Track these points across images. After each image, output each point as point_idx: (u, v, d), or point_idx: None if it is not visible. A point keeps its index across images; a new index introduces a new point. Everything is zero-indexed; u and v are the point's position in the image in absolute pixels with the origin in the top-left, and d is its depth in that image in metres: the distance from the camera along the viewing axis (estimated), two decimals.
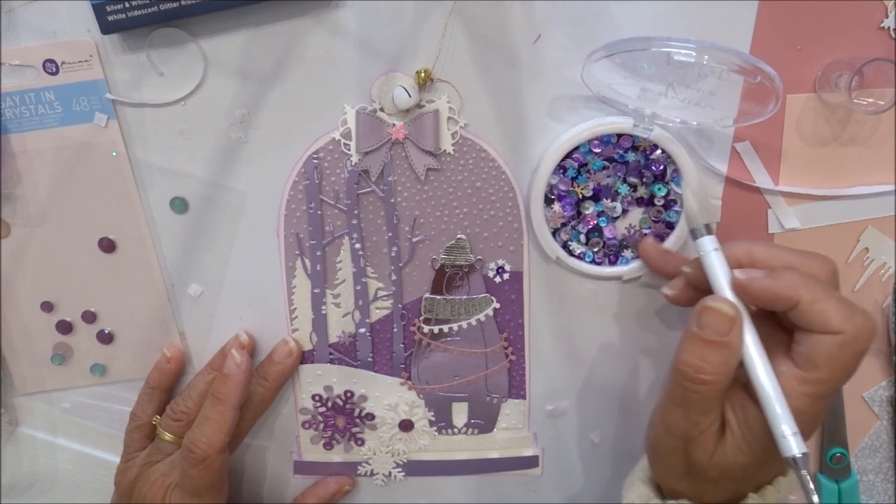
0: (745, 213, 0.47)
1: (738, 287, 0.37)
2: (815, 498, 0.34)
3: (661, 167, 0.45)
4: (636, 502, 0.42)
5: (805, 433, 0.36)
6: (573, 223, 0.47)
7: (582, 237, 0.47)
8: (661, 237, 0.47)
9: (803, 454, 0.35)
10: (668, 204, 0.46)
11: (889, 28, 0.43)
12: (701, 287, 0.40)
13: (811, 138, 0.45)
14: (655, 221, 0.47)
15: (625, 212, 0.46)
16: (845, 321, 0.35)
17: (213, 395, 0.45)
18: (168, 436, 0.48)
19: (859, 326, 0.35)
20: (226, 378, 0.45)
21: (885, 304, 0.48)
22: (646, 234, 0.45)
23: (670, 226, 0.47)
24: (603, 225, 0.46)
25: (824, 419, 0.50)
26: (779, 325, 0.38)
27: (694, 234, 0.40)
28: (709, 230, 0.39)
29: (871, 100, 0.43)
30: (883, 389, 0.50)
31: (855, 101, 0.42)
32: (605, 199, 0.46)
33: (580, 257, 0.47)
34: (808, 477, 0.35)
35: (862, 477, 0.51)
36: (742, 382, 0.38)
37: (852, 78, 0.41)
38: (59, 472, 0.54)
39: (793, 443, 0.35)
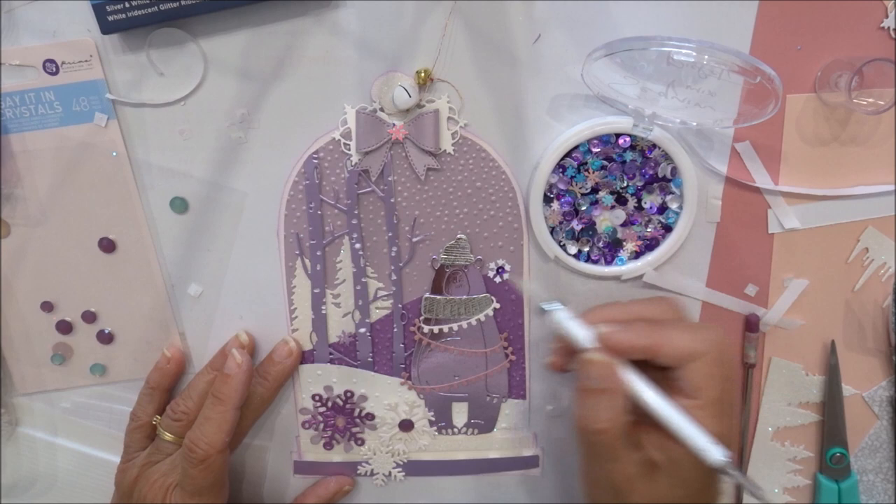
0: (745, 213, 0.47)
1: (600, 341, 0.40)
2: (760, 491, 0.36)
3: (660, 167, 0.45)
4: None
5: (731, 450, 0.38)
6: (568, 220, 0.47)
7: (574, 234, 0.47)
8: (658, 239, 0.47)
9: (728, 458, 0.37)
10: (665, 206, 0.46)
11: (889, 28, 0.43)
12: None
13: (811, 138, 0.45)
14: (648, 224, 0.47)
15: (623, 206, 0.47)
16: (698, 344, 0.38)
17: (214, 395, 0.45)
18: (168, 436, 0.48)
19: (710, 341, 0.39)
20: (226, 378, 0.45)
21: (885, 304, 0.48)
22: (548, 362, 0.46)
23: (668, 228, 0.47)
24: (592, 213, 0.46)
25: (824, 419, 0.50)
26: (663, 370, 0.40)
27: (546, 312, 0.43)
28: (556, 305, 0.42)
29: (871, 100, 0.43)
30: (883, 389, 0.50)
31: (855, 101, 0.42)
32: (601, 192, 0.46)
33: (577, 256, 0.47)
34: (741, 474, 0.37)
35: (862, 477, 0.51)
36: (658, 426, 0.39)
37: (852, 78, 0.41)
38: (59, 472, 0.54)
39: (714, 451, 0.37)
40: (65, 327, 0.50)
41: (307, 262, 0.48)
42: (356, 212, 0.47)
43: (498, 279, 0.48)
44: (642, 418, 0.39)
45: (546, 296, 0.43)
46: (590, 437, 0.39)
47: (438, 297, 0.48)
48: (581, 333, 0.40)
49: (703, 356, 0.38)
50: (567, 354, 0.43)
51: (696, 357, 0.38)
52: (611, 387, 0.38)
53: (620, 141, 0.45)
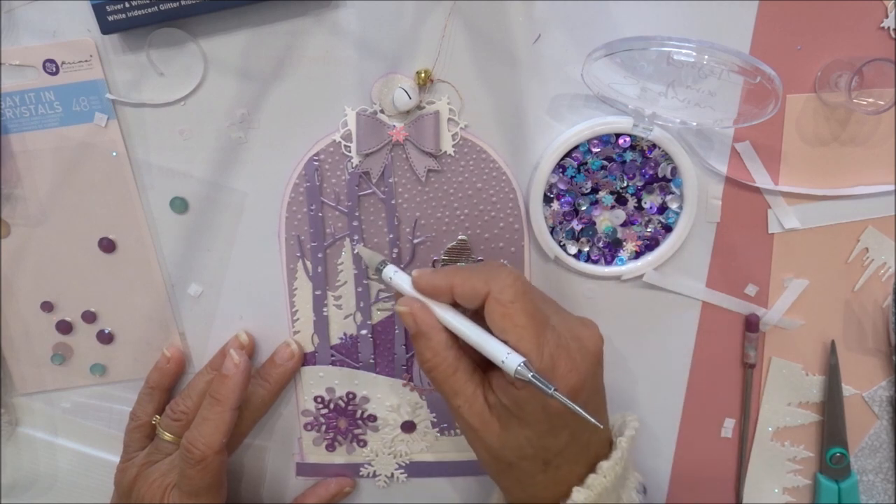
0: (745, 213, 0.47)
1: (414, 285, 0.42)
2: (551, 389, 0.36)
3: (660, 167, 0.45)
4: None
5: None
6: (568, 220, 0.47)
7: (574, 234, 0.47)
8: (658, 239, 0.47)
9: (523, 362, 0.37)
10: (665, 206, 0.46)
11: (889, 28, 0.43)
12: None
13: (811, 138, 0.45)
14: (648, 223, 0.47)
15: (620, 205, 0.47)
16: (481, 283, 0.39)
17: (212, 396, 0.45)
18: (167, 435, 0.48)
19: (496, 279, 0.39)
20: (224, 378, 0.45)
21: (885, 304, 0.48)
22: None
23: (668, 228, 0.47)
24: (592, 213, 0.47)
25: (824, 419, 0.50)
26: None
27: (379, 272, 0.44)
28: (385, 264, 0.44)
29: (870, 100, 0.43)
30: (883, 389, 0.50)
31: (855, 101, 0.42)
32: (601, 192, 0.46)
33: (577, 256, 0.47)
34: (539, 377, 0.36)
35: (862, 477, 0.51)
36: (502, 372, 0.39)
37: (852, 78, 0.41)
38: (59, 472, 0.54)
39: (510, 360, 0.37)
40: (65, 327, 0.50)
41: (308, 264, 0.48)
42: (357, 213, 0.47)
43: None
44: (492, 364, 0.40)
45: (377, 258, 0.44)
46: (429, 377, 0.41)
47: None
48: (405, 284, 0.42)
49: (491, 295, 0.39)
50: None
51: (481, 296, 0.39)
52: (422, 329, 0.40)
53: (620, 141, 0.45)
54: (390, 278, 0.43)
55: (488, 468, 0.42)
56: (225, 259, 0.48)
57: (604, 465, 0.41)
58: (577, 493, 0.40)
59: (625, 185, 0.46)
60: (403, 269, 0.44)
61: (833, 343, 0.49)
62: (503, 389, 0.39)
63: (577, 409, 0.36)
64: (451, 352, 0.40)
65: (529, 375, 0.36)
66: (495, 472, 0.42)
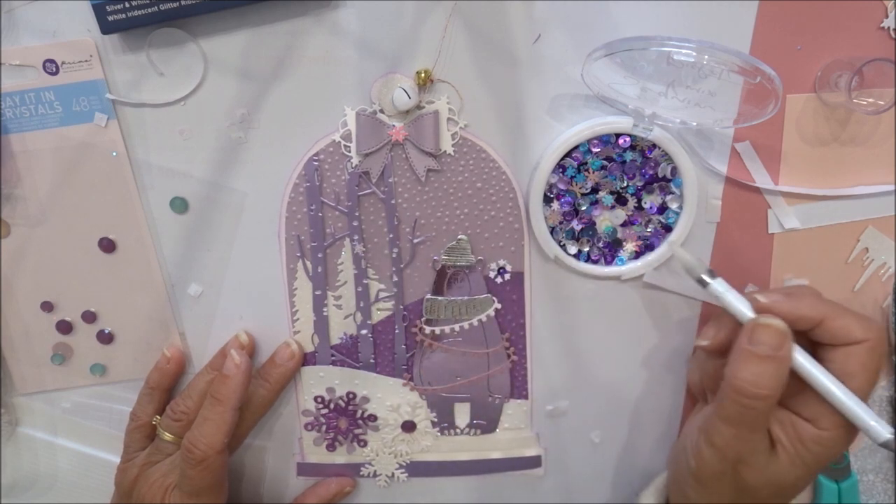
0: (745, 213, 0.47)
1: (764, 311, 0.39)
2: None
3: (660, 167, 0.45)
4: None
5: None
6: (568, 220, 0.47)
7: (574, 234, 0.47)
8: (658, 240, 0.47)
9: (893, 434, 0.37)
10: (665, 206, 0.46)
11: (889, 28, 0.43)
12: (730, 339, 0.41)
13: (811, 138, 0.45)
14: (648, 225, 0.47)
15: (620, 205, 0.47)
16: (867, 330, 0.38)
17: (212, 396, 0.45)
18: (168, 436, 0.48)
19: (878, 331, 0.39)
20: (225, 379, 0.45)
21: (885, 304, 0.48)
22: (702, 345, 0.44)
23: (668, 228, 0.47)
24: (592, 213, 0.46)
25: None
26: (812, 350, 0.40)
27: (702, 283, 0.42)
28: (712, 275, 0.41)
29: (871, 100, 0.43)
30: (883, 389, 0.50)
31: (855, 101, 0.42)
32: (601, 192, 0.46)
33: (577, 256, 0.47)
34: None
35: (862, 477, 0.51)
36: (787, 401, 0.39)
37: (852, 78, 0.41)
38: (59, 472, 0.54)
39: (881, 429, 0.37)
40: (65, 327, 0.50)
41: (308, 264, 0.48)
42: (357, 213, 0.47)
43: (499, 279, 0.48)
44: None
45: (701, 268, 0.42)
46: (746, 402, 0.38)
47: (440, 298, 0.48)
48: (744, 305, 0.40)
49: (865, 342, 0.38)
50: (722, 332, 0.42)
51: (859, 341, 0.38)
52: (781, 355, 0.38)
53: (620, 141, 0.45)
54: (721, 294, 0.40)
55: (714, 497, 0.40)
56: (225, 259, 0.48)
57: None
58: None
59: (625, 185, 0.46)
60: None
61: None
62: (789, 423, 0.38)
63: None
64: (783, 388, 0.38)
65: None
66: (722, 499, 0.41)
